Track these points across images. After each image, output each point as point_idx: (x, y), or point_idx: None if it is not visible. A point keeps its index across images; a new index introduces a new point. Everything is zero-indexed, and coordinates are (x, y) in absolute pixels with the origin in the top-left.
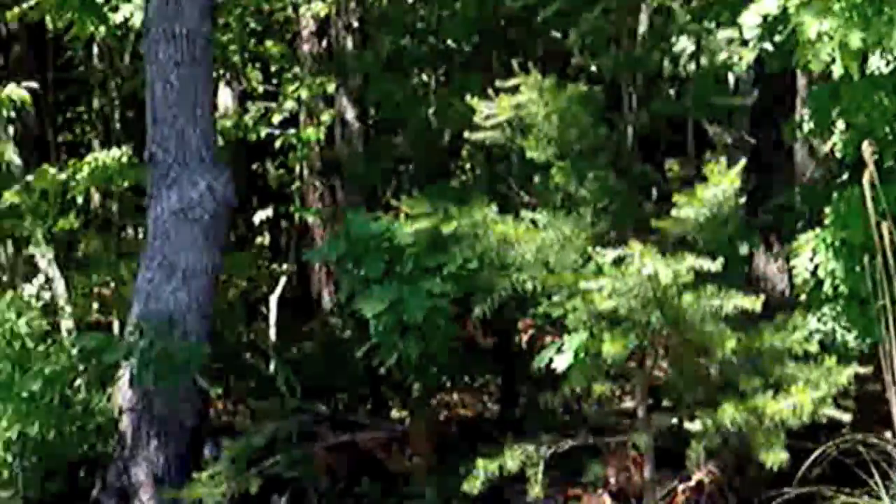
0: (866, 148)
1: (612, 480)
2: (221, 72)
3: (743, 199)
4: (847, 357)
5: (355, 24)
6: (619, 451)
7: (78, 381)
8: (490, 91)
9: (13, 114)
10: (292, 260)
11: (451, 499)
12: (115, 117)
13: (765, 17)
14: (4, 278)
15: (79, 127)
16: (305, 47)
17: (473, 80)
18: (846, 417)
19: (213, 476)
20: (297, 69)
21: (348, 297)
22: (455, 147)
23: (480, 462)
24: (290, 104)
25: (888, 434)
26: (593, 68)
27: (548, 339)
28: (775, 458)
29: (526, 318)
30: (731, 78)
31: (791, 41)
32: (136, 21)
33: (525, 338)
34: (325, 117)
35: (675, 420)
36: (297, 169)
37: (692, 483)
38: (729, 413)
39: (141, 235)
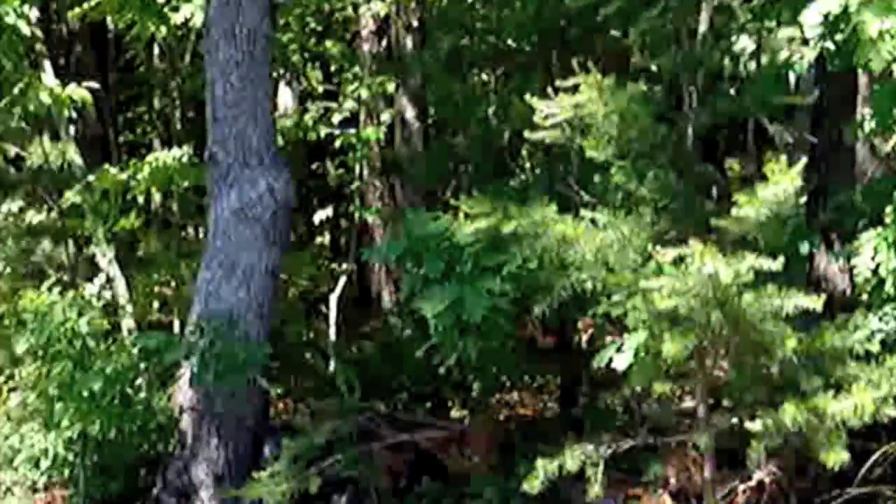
0: None
1: (672, 480)
2: (281, 71)
3: (803, 199)
4: None
5: (415, 24)
6: (679, 451)
7: (139, 381)
8: (550, 90)
9: (75, 114)
10: (352, 259)
11: (510, 498)
12: (176, 117)
13: (826, 16)
14: (66, 278)
15: (140, 127)
16: (365, 47)
17: (533, 80)
18: None
19: (274, 475)
20: (357, 69)
21: (408, 297)
22: (515, 146)
23: (540, 461)
24: (349, 104)
25: None
26: (653, 67)
27: (608, 338)
28: (836, 458)
29: (586, 318)
30: (791, 77)
31: (852, 39)
32: (197, 21)
33: (585, 337)
34: (385, 117)
35: (735, 420)
36: (357, 168)
37: (752, 483)
38: (790, 413)
39: (201, 235)
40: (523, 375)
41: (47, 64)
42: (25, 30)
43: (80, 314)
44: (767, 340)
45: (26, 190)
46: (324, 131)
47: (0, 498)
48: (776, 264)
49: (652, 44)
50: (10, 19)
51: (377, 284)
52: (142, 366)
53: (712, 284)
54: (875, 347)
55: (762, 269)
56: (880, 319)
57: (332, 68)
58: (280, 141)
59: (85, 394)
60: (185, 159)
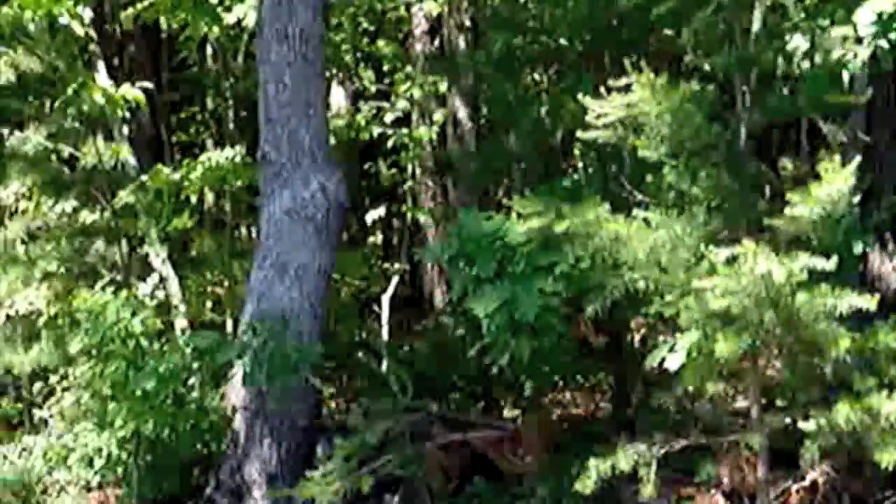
0: None
1: (726, 480)
2: (334, 71)
3: (857, 198)
4: None
5: (467, 24)
6: (733, 451)
7: (192, 380)
8: (602, 90)
9: (128, 114)
10: (405, 259)
11: (562, 498)
12: (229, 117)
13: (880, 15)
14: (119, 277)
15: (193, 127)
16: (418, 47)
17: (585, 79)
18: None
19: (326, 475)
20: (409, 68)
21: (460, 296)
22: (567, 146)
23: (593, 461)
24: (402, 103)
25: None
26: (706, 67)
27: (660, 338)
28: (890, 457)
29: (638, 318)
30: (845, 76)
31: None
32: (250, 21)
33: (637, 337)
34: (438, 116)
35: (788, 420)
36: (410, 168)
37: (806, 483)
38: (843, 413)
39: (254, 235)
40: (576, 375)
41: (101, 64)
42: (79, 30)
43: (133, 314)
44: (821, 340)
45: (80, 190)
46: (376, 131)
47: (54, 497)
48: (830, 264)
49: (705, 43)
50: (64, 20)
51: (430, 284)
52: (195, 365)
53: (765, 284)
54: None
55: (816, 268)
56: None
57: (385, 68)
58: (332, 140)
59: (138, 393)
60: (237, 159)
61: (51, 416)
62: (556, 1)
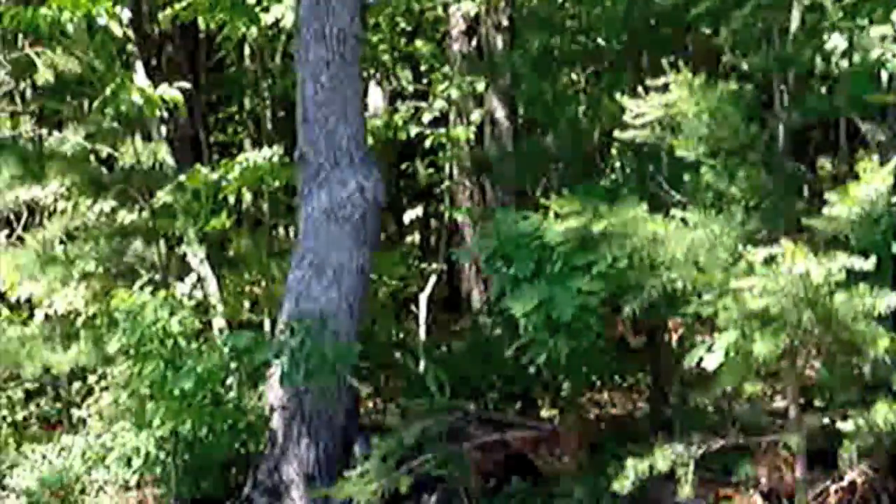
0: None
1: (764, 480)
2: (372, 71)
3: None
4: None
5: (505, 23)
6: (771, 451)
7: (229, 380)
8: (640, 89)
9: (166, 114)
10: (442, 259)
11: (600, 498)
12: (267, 117)
13: None
14: (157, 277)
15: (230, 127)
16: (455, 46)
17: (623, 79)
18: None
19: (364, 474)
20: (446, 68)
21: (498, 296)
22: (604, 146)
23: (630, 461)
24: (439, 103)
25: None
26: (744, 66)
27: (698, 338)
28: None
29: (676, 317)
30: (884, 75)
31: None
32: (287, 21)
33: (675, 337)
34: (475, 116)
35: (827, 420)
36: (447, 168)
37: (844, 483)
38: (882, 413)
39: (292, 234)
40: (613, 375)
41: (139, 64)
42: (117, 31)
43: (171, 314)
44: (859, 340)
45: (118, 190)
46: (414, 131)
47: (93, 496)
48: (868, 263)
49: (743, 42)
50: (103, 20)
51: (467, 284)
52: (232, 365)
53: (803, 284)
54: None
55: (854, 268)
56: None
57: (423, 68)
58: (370, 140)
59: (176, 393)
60: (275, 159)
61: (89, 415)
62: (594, 0)
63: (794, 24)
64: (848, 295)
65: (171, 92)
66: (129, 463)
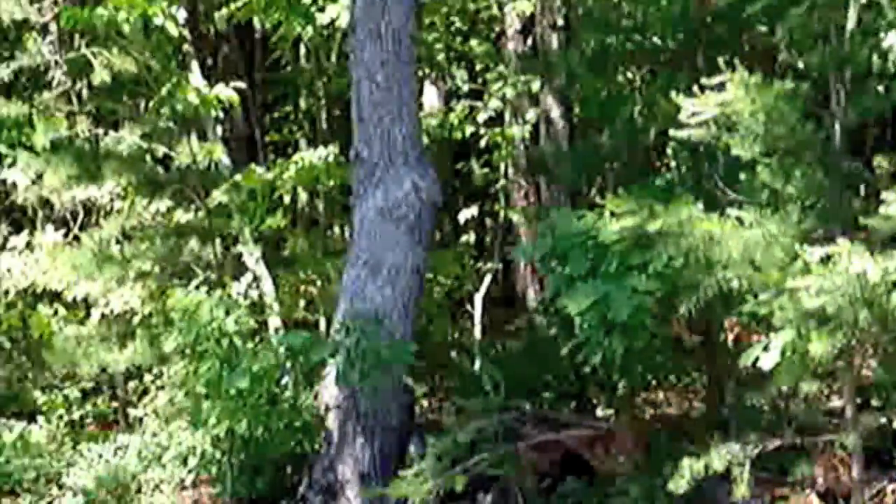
0: None
1: (820, 480)
2: (427, 71)
3: None
4: None
5: (560, 23)
6: (827, 451)
7: (285, 379)
8: (696, 88)
9: (222, 114)
10: (497, 258)
11: (655, 498)
12: (322, 117)
13: None
14: (213, 277)
15: (286, 126)
16: (510, 45)
17: (679, 78)
18: None
19: (419, 474)
20: (502, 67)
21: (553, 295)
22: (660, 145)
23: (686, 461)
24: (495, 103)
25: None
26: (800, 65)
27: (754, 337)
28: None
29: (732, 317)
30: None
31: None
32: (343, 21)
33: (731, 336)
34: (530, 115)
35: (883, 419)
36: (502, 167)
37: None
38: None
39: (347, 234)
40: (669, 374)
41: (195, 64)
42: (173, 31)
43: (227, 313)
44: None
45: (174, 189)
46: (469, 130)
47: (149, 495)
48: None
49: (799, 41)
50: (159, 20)
51: (522, 283)
52: (288, 364)
53: (860, 283)
54: None
55: None
56: None
57: (478, 67)
58: (425, 140)
59: (232, 392)
60: (330, 159)
61: (145, 414)
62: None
63: (851, 22)
64: None
65: (226, 92)
66: (185, 462)
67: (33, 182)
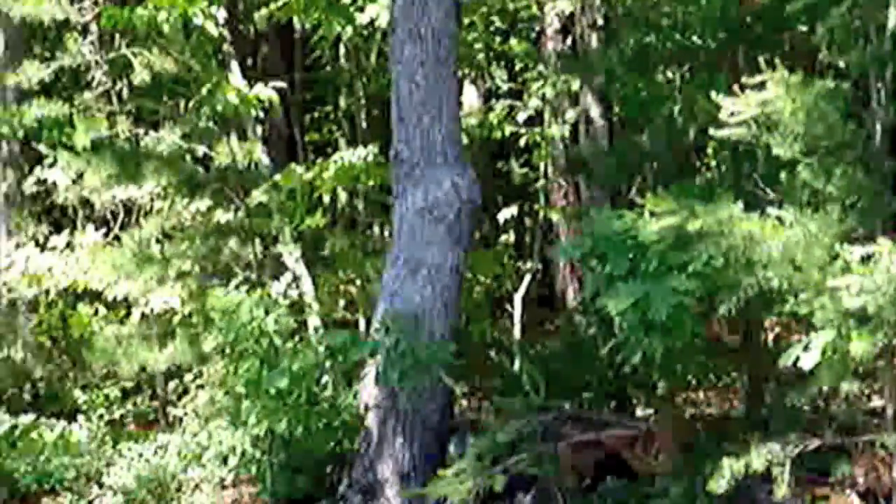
0: None
1: (861, 480)
2: (466, 70)
3: None
4: None
5: (600, 22)
6: (868, 451)
7: (324, 379)
8: (736, 87)
9: (261, 114)
10: (537, 258)
11: (695, 498)
12: (361, 117)
13: None
14: (253, 276)
15: (325, 126)
16: (550, 45)
17: (719, 77)
18: None
19: (458, 473)
20: (541, 67)
21: (593, 295)
22: (700, 144)
23: (726, 461)
24: (534, 102)
25: None
26: (841, 64)
27: (794, 337)
28: None
29: (772, 317)
30: None
31: None
32: (382, 21)
33: (771, 336)
34: (570, 115)
35: None
36: (542, 167)
37: None
38: None
39: (386, 233)
40: (709, 374)
41: (235, 64)
42: (213, 31)
43: (266, 312)
44: None
45: (214, 189)
46: (508, 130)
47: (189, 494)
48: None
49: (839, 40)
50: (199, 20)
51: (562, 282)
52: (327, 364)
53: None
54: None
55: None
56: None
57: (517, 67)
58: (465, 139)
59: (272, 392)
60: (370, 158)
61: (185, 414)
62: None
63: (892, 21)
64: None
65: (266, 91)
66: (224, 461)
67: (74, 182)
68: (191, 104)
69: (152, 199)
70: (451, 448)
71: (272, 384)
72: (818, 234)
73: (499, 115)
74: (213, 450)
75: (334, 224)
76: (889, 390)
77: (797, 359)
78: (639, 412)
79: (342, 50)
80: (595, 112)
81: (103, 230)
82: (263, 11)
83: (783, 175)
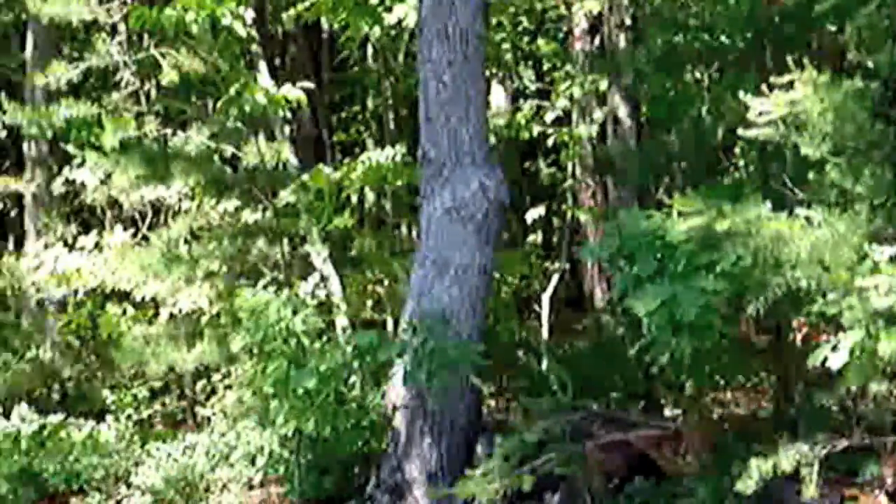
0: None
1: (889, 481)
2: (494, 70)
3: None
4: None
5: (628, 22)
6: None
7: (352, 379)
8: (764, 87)
9: (289, 114)
10: (565, 258)
11: (723, 498)
12: (389, 117)
13: None
14: (281, 276)
15: (353, 126)
16: (578, 45)
17: (747, 77)
18: None
19: (486, 473)
20: (569, 67)
21: (621, 295)
22: (728, 144)
23: (754, 461)
24: (562, 102)
25: None
26: (869, 64)
27: (822, 337)
28: None
29: (800, 317)
30: None
31: None
32: (410, 21)
33: (799, 336)
34: (598, 115)
35: None
36: (570, 167)
37: None
38: None
39: (414, 234)
40: (737, 374)
41: (262, 65)
42: (241, 31)
43: (294, 312)
44: None
45: (242, 189)
46: (536, 130)
47: (217, 494)
48: None
49: (868, 40)
50: (227, 21)
51: (590, 283)
52: (355, 364)
53: None
54: None
55: None
56: None
57: (545, 67)
58: (493, 139)
59: (300, 392)
60: (397, 158)
61: (213, 413)
62: None
63: None
64: None
65: (294, 92)
66: (252, 461)
67: (102, 182)
68: (219, 104)
69: (180, 200)
70: (479, 448)
71: (300, 384)
72: (846, 234)
73: (527, 114)
74: (241, 450)
75: (362, 224)
76: None
77: (825, 359)
78: (667, 412)
79: (370, 50)
80: (623, 112)
81: (132, 230)
82: (291, 12)
83: (811, 175)
